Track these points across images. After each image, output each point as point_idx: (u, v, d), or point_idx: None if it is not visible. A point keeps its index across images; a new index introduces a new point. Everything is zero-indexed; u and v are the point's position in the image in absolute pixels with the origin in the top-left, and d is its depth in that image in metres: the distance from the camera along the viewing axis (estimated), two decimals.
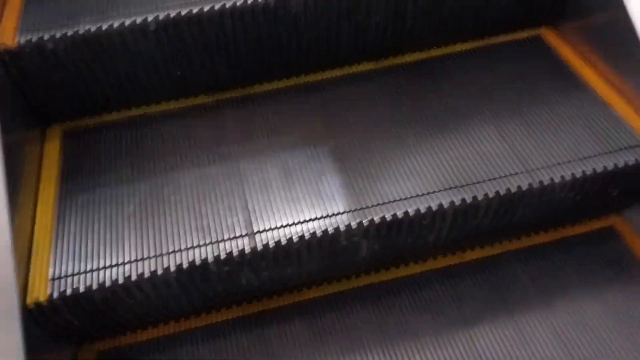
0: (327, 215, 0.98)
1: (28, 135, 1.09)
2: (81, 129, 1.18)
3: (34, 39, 1.02)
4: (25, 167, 1.03)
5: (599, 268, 1.14)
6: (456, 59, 1.28)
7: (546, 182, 1.01)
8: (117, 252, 0.96)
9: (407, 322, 1.09)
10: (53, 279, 0.92)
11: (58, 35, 1.02)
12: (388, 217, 0.97)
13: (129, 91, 1.17)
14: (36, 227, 0.99)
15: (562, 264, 1.16)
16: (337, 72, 1.26)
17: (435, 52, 1.30)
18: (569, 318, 1.08)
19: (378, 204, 0.99)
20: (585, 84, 1.18)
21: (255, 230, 0.97)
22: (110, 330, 1.06)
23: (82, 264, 0.94)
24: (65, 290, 0.91)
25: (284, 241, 0.95)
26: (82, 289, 0.91)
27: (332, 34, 1.18)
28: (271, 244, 0.95)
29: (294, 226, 0.97)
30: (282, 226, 0.97)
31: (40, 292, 0.91)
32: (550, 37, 1.31)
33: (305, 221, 0.98)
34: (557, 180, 1.01)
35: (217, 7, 1.06)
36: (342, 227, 0.96)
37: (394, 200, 0.99)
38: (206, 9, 1.06)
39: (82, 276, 0.92)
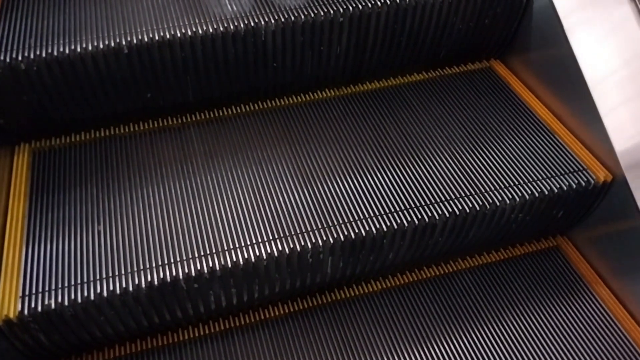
0: (295, 233, 1.02)
1: None
2: (50, 148, 1.19)
3: (7, 59, 1.04)
4: None
5: (544, 284, 1.22)
6: (412, 88, 1.36)
7: (497, 203, 1.08)
8: (87, 269, 0.97)
9: (367, 337, 1.13)
10: (23, 296, 0.93)
11: (32, 56, 1.04)
12: (352, 235, 1.03)
13: (98, 112, 1.19)
14: (6, 243, 1.00)
15: (510, 281, 1.23)
16: (300, 98, 1.32)
17: (392, 82, 1.38)
18: (517, 331, 1.15)
19: (343, 222, 1.04)
20: (531, 112, 1.27)
21: (225, 248, 1.01)
22: (78, 349, 1.06)
23: (53, 281, 0.95)
24: (35, 307, 0.92)
25: (253, 259, 0.99)
26: (53, 305, 0.92)
27: (297, 62, 1.24)
28: (241, 261, 0.99)
29: (262, 244, 1.01)
30: (251, 244, 1.01)
31: (10, 308, 0.91)
32: (499, 69, 1.40)
33: (273, 239, 1.02)
34: (507, 201, 1.08)
35: (189, 32, 1.11)
36: (309, 245, 1.01)
37: (358, 219, 1.05)
38: (179, 34, 1.10)
39: (53, 293, 0.93)
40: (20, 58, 1.04)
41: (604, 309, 1.18)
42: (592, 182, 1.12)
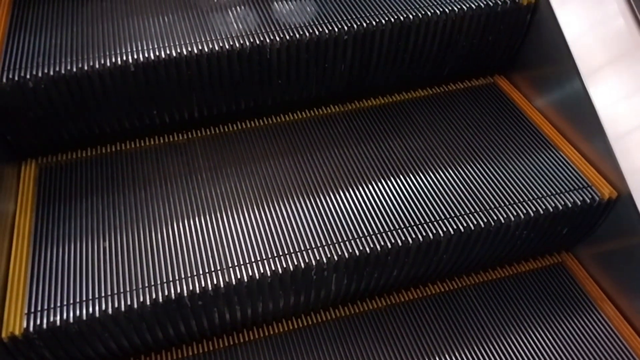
0: (299, 250, 1.03)
1: (4, 169, 1.10)
2: (56, 164, 1.20)
3: (16, 77, 1.05)
4: (1, 201, 1.04)
5: (549, 301, 1.22)
6: (416, 104, 1.36)
7: (501, 220, 1.08)
8: (93, 285, 0.97)
9: (371, 354, 1.13)
10: (29, 313, 0.93)
11: (40, 74, 1.05)
12: (356, 252, 1.03)
13: (104, 129, 1.20)
14: (12, 260, 1.00)
15: (515, 298, 1.22)
16: (305, 114, 1.32)
17: (396, 98, 1.38)
18: (522, 348, 1.14)
19: (347, 239, 1.04)
20: (535, 128, 1.27)
21: (229, 265, 1.01)
22: None
23: (58, 298, 0.95)
24: (41, 324, 0.92)
25: (257, 276, 0.99)
26: (58, 322, 0.92)
27: (302, 79, 1.25)
28: (245, 279, 0.99)
29: (266, 261, 1.01)
30: (255, 261, 1.01)
31: (15, 325, 0.91)
32: (503, 85, 1.41)
33: (277, 256, 1.02)
34: (511, 218, 1.08)
35: (195, 50, 1.12)
36: (313, 262, 1.01)
37: (362, 236, 1.05)
38: (184, 52, 1.11)
39: (58, 309, 0.94)
40: (28, 76, 1.05)
41: (610, 326, 1.17)
42: (597, 199, 1.11)
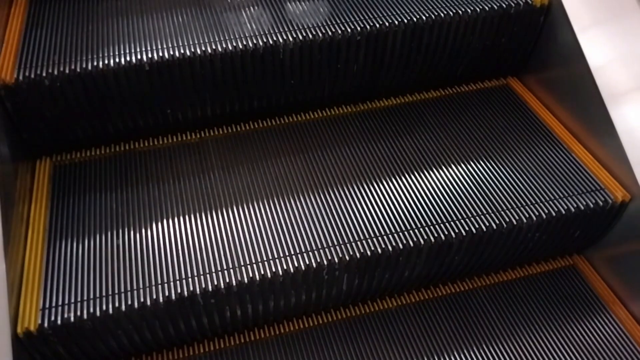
0: (311, 250, 1.03)
1: (19, 167, 1.11)
2: (70, 162, 1.21)
3: (32, 75, 1.06)
4: (17, 198, 1.05)
5: (561, 304, 1.22)
6: (428, 105, 1.36)
7: (513, 222, 1.08)
8: (106, 283, 0.98)
9: (382, 354, 1.13)
10: (44, 309, 0.94)
11: (55, 72, 1.06)
12: (368, 252, 1.03)
13: (118, 127, 1.21)
14: (27, 256, 1.01)
15: (527, 300, 1.22)
16: (317, 115, 1.33)
17: (408, 99, 1.38)
18: (532, 350, 1.14)
19: (359, 240, 1.05)
20: (548, 130, 1.27)
21: (242, 263, 1.01)
22: None
23: (73, 294, 0.96)
24: (55, 320, 0.93)
25: (269, 275, 1.00)
26: (72, 318, 0.93)
27: (315, 80, 1.25)
28: (257, 277, 0.99)
29: (278, 260, 1.02)
30: (267, 260, 1.02)
31: (30, 321, 0.92)
32: (516, 86, 1.41)
33: (289, 255, 1.02)
34: (523, 220, 1.08)
35: (208, 50, 1.12)
36: (324, 261, 1.01)
37: (374, 236, 1.05)
38: (198, 51, 1.12)
39: (72, 306, 0.95)
40: (44, 74, 1.06)
41: (622, 329, 1.17)
42: (610, 202, 1.11)
